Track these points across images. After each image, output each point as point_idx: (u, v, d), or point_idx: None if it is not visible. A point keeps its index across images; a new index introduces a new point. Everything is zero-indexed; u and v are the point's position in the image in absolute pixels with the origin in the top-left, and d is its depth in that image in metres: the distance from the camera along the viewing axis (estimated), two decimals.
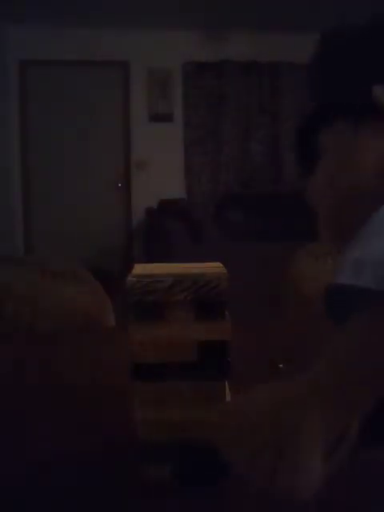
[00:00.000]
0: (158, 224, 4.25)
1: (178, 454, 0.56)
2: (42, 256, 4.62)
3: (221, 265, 0.61)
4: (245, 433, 0.42)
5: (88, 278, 2.08)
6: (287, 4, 4.15)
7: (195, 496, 0.55)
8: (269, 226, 4.22)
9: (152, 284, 0.55)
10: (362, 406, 0.39)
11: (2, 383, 0.91)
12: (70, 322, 1.67)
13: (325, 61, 0.52)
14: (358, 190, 0.47)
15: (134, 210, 5.18)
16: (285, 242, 3.07)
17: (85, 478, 0.59)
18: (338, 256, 0.42)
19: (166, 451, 0.57)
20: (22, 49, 4.84)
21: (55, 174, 5.08)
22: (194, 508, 0.54)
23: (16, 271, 1.93)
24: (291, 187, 4.55)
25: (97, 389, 0.85)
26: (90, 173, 5.13)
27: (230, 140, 5.18)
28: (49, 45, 4.82)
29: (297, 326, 1.19)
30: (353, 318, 0.39)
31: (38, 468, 0.61)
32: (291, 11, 4.30)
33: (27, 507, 0.55)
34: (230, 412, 0.46)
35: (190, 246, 3.79)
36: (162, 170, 5.14)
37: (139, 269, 0.60)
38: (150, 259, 4.24)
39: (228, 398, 0.58)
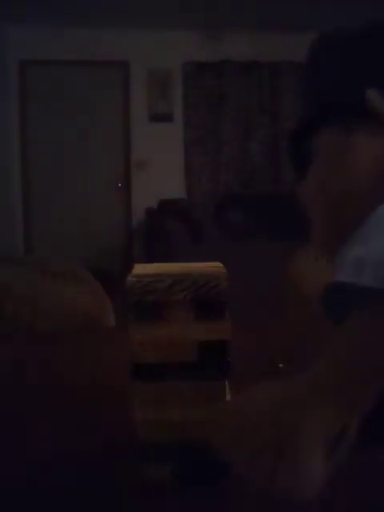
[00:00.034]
0: (158, 224, 4.25)
1: (178, 454, 0.56)
2: (42, 256, 4.62)
3: (221, 265, 0.61)
4: (245, 433, 0.42)
5: (88, 278, 2.09)
6: (287, 4, 4.15)
7: (195, 496, 0.55)
8: (269, 226, 4.22)
9: (152, 284, 0.55)
10: (362, 405, 0.39)
11: (2, 383, 0.91)
12: (70, 322, 1.67)
13: (317, 64, 0.52)
14: (351, 193, 0.47)
15: (134, 210, 5.18)
16: (285, 242, 3.07)
17: (85, 478, 0.59)
18: (334, 257, 0.42)
19: (165, 451, 0.57)
20: (22, 49, 4.84)
21: (55, 174, 5.08)
22: (194, 508, 0.54)
23: (16, 271, 1.93)
24: (291, 187, 4.55)
25: (97, 389, 0.85)
26: (90, 173, 5.13)
27: (230, 140, 5.18)
28: (49, 45, 4.83)
29: (297, 326, 1.19)
30: (353, 317, 0.39)
31: (37, 468, 0.61)
32: (291, 11, 4.30)
33: (27, 507, 0.55)
34: (230, 412, 0.46)
35: (189, 245, 3.79)
36: (162, 170, 5.14)
37: (139, 269, 0.60)
38: (150, 259, 4.24)
39: (228, 397, 0.58)
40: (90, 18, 4.59)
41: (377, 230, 0.39)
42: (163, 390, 0.57)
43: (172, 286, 0.55)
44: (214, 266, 0.60)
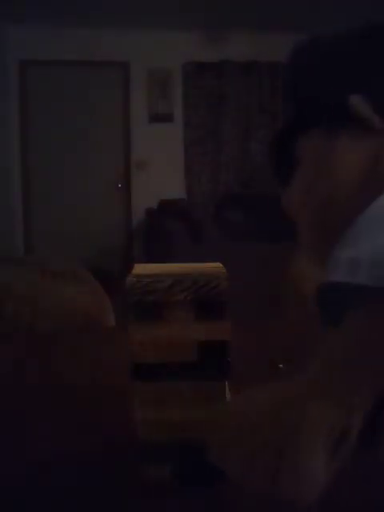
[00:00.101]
0: (158, 224, 4.25)
1: (178, 454, 0.56)
2: (42, 256, 4.62)
3: (221, 265, 0.61)
4: (244, 433, 0.42)
5: (88, 278, 2.09)
6: (287, 4, 4.15)
7: (195, 496, 0.55)
8: (269, 226, 4.22)
9: (152, 284, 0.55)
10: (361, 405, 0.39)
11: (2, 383, 0.91)
12: (70, 322, 1.67)
13: (300, 70, 0.52)
14: (337, 197, 0.47)
15: (134, 210, 5.18)
16: (285, 242, 3.07)
17: (85, 478, 0.59)
18: (322, 260, 0.42)
19: (166, 451, 0.57)
20: (22, 49, 4.84)
21: (55, 174, 5.09)
22: (194, 508, 0.54)
23: (16, 271, 1.93)
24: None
25: (97, 389, 0.85)
26: (90, 173, 5.13)
27: (230, 140, 5.18)
28: (49, 45, 4.83)
29: (297, 326, 1.19)
30: (349, 316, 0.39)
31: (37, 468, 0.61)
32: (291, 11, 4.30)
33: (27, 507, 0.55)
34: (230, 412, 0.46)
35: (190, 245, 3.79)
36: (162, 170, 5.15)
37: (139, 269, 0.60)
38: (150, 259, 4.24)
39: (228, 398, 0.58)
40: (89, 17, 4.59)
41: (366, 232, 0.39)
42: (163, 390, 0.57)
43: (172, 286, 0.55)
44: (214, 266, 0.60)
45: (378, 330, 0.37)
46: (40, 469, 0.61)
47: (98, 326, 1.71)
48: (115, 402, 0.78)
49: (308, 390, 0.41)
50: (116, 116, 5.14)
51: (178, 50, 4.99)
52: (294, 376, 0.42)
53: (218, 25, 4.77)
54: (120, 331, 1.30)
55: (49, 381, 0.89)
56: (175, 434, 0.56)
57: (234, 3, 4.21)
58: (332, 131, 0.47)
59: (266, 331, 1.17)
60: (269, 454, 0.40)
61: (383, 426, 0.40)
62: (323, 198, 0.48)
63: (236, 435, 0.43)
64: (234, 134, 5.18)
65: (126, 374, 0.59)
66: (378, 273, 0.36)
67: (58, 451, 0.64)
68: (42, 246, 5.10)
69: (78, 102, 5.03)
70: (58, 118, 5.02)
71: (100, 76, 5.06)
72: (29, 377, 0.92)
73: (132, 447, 0.59)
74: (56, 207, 5.10)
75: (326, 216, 0.48)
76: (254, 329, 1.18)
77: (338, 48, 0.49)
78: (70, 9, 4.34)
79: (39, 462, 0.62)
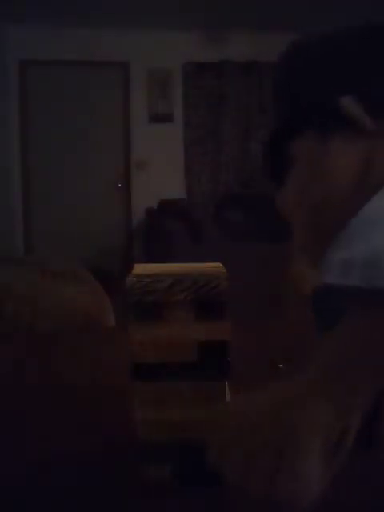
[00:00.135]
0: (158, 224, 4.25)
1: (178, 454, 0.56)
2: (42, 256, 4.62)
3: (221, 265, 0.61)
4: (244, 433, 0.42)
5: (88, 278, 2.09)
6: (287, 4, 4.15)
7: (195, 496, 0.55)
8: (269, 226, 4.21)
9: (152, 284, 0.55)
10: (358, 406, 0.38)
11: (2, 383, 0.91)
12: (70, 322, 1.67)
13: (292, 70, 0.52)
14: (330, 199, 0.47)
15: (134, 210, 5.18)
16: (285, 242, 3.07)
17: (85, 478, 0.59)
18: (317, 261, 0.42)
19: (166, 451, 0.57)
20: (22, 49, 4.84)
21: (55, 174, 5.09)
22: (194, 508, 0.54)
23: (16, 271, 1.93)
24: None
25: (97, 389, 0.85)
26: (90, 173, 5.13)
27: (230, 140, 5.18)
28: (49, 45, 4.83)
29: (297, 326, 1.19)
30: (343, 318, 0.39)
31: (37, 468, 0.61)
32: (291, 11, 4.30)
33: (27, 507, 0.55)
34: (230, 412, 0.46)
35: (190, 245, 3.79)
36: (161, 170, 5.15)
37: (139, 269, 0.60)
38: (150, 259, 4.24)
39: (228, 398, 0.58)
40: (89, 17, 4.59)
41: (359, 234, 0.39)
42: (163, 390, 0.57)
43: (172, 286, 0.55)
44: (214, 266, 0.60)
45: (372, 331, 0.37)
46: (40, 469, 0.61)
47: (97, 326, 1.71)
48: (115, 402, 0.78)
49: (308, 390, 0.41)
50: (116, 116, 5.14)
51: (177, 49, 4.99)
52: (294, 376, 0.42)
53: (218, 25, 4.77)
54: (120, 331, 1.30)
55: (49, 381, 0.89)
56: (175, 434, 0.56)
57: (234, 3, 4.21)
58: (324, 133, 0.47)
59: (266, 331, 1.17)
60: (268, 454, 0.40)
61: (380, 426, 0.40)
62: (317, 201, 0.48)
63: (236, 435, 0.42)
64: (234, 133, 5.18)
65: (125, 374, 0.59)
66: (371, 274, 0.36)
67: (58, 451, 0.64)
68: (42, 246, 5.10)
69: (78, 101, 5.03)
70: (58, 118, 5.02)
71: (100, 76, 5.06)
72: (29, 377, 0.92)
73: (132, 447, 0.59)
74: (56, 207, 5.10)
75: (319, 218, 0.48)
76: (253, 329, 1.18)
77: (329, 49, 0.49)
78: (70, 9, 4.34)
79: (39, 462, 0.62)
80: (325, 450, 0.39)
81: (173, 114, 5.19)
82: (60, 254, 4.48)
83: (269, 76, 5.14)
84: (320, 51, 0.49)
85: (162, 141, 5.14)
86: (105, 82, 5.07)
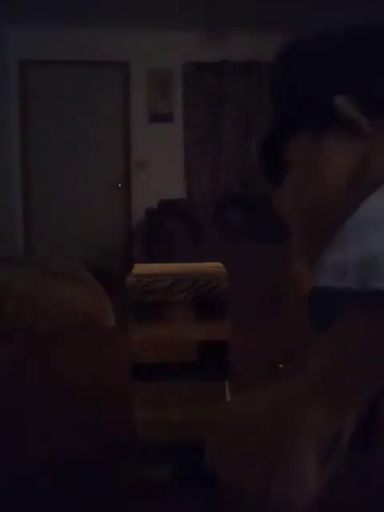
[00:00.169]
0: (158, 224, 4.25)
1: (178, 454, 0.56)
2: (42, 256, 4.62)
3: (221, 265, 0.61)
4: (244, 433, 0.42)
5: (88, 278, 2.09)
6: (287, 4, 4.16)
7: (195, 496, 0.55)
8: (269, 226, 4.21)
9: (152, 284, 0.55)
10: (353, 408, 0.38)
11: (2, 383, 0.91)
12: (69, 322, 1.67)
13: (287, 70, 0.52)
14: (325, 199, 0.47)
15: (134, 210, 5.18)
16: (285, 242, 3.07)
17: (85, 478, 0.59)
18: (314, 262, 0.42)
19: (166, 451, 0.57)
20: (22, 49, 4.84)
21: (55, 174, 5.09)
22: (194, 508, 0.54)
23: (16, 271, 1.93)
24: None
25: (97, 389, 0.85)
26: (90, 173, 5.13)
27: (230, 140, 5.18)
28: (49, 45, 4.83)
29: (297, 326, 1.19)
30: (337, 320, 0.38)
31: (37, 468, 0.61)
32: (291, 11, 4.30)
33: (27, 507, 0.55)
34: (230, 412, 0.46)
35: (190, 245, 3.79)
36: (161, 170, 5.15)
37: (139, 269, 0.60)
38: (150, 259, 4.24)
39: (228, 398, 0.58)
40: (90, 17, 4.59)
41: (355, 235, 0.39)
42: (163, 390, 0.57)
43: (172, 286, 0.55)
44: (214, 266, 0.60)
45: (365, 333, 0.37)
46: (40, 469, 0.61)
47: (98, 326, 1.71)
48: (115, 402, 0.78)
49: (309, 390, 0.40)
50: (116, 116, 5.14)
51: (178, 49, 4.99)
52: (294, 376, 0.42)
53: (218, 25, 4.77)
54: (120, 331, 1.30)
55: (49, 381, 0.89)
56: (175, 434, 0.56)
57: (234, 3, 4.21)
58: (319, 131, 0.47)
59: (266, 331, 1.17)
60: (268, 454, 0.40)
61: (376, 427, 0.40)
62: (312, 201, 0.48)
63: (236, 435, 0.42)
64: (234, 134, 5.18)
65: (126, 374, 0.59)
66: (367, 275, 0.36)
67: (58, 451, 0.64)
68: (42, 246, 5.10)
69: (78, 101, 5.03)
70: (58, 118, 5.02)
71: (100, 76, 5.06)
72: (29, 377, 0.92)
73: (132, 447, 0.59)
74: (56, 207, 5.10)
75: (315, 219, 0.48)
76: (254, 329, 1.18)
77: (325, 47, 0.49)
78: (70, 9, 4.34)
79: (39, 462, 0.62)
80: (321, 450, 0.38)
81: (173, 114, 5.19)
82: (60, 254, 4.48)
83: (269, 76, 5.14)
84: (316, 50, 0.49)
85: (162, 141, 5.14)
86: (105, 81, 5.07)
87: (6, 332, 1.57)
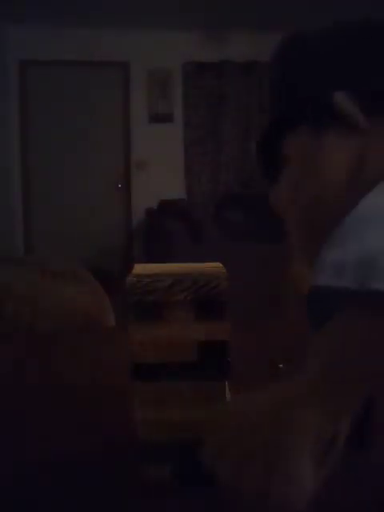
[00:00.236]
0: (158, 224, 4.25)
1: (178, 454, 0.56)
2: (42, 256, 4.62)
3: (221, 265, 0.61)
4: (245, 433, 0.42)
5: (88, 278, 2.09)
6: (287, 4, 4.16)
7: (195, 496, 0.55)
8: (269, 226, 4.21)
9: (152, 284, 0.55)
10: (349, 408, 0.38)
11: (2, 383, 0.91)
12: (70, 322, 1.67)
13: (286, 66, 0.52)
14: (323, 196, 0.47)
15: (134, 210, 5.18)
16: (285, 242, 3.07)
17: (85, 478, 0.59)
18: (312, 259, 0.42)
19: (165, 451, 0.57)
20: (22, 49, 4.84)
21: (55, 174, 5.09)
22: (194, 508, 0.54)
23: (16, 271, 1.93)
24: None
25: (97, 389, 0.85)
26: (90, 173, 5.13)
27: (230, 140, 5.18)
28: (49, 45, 4.83)
29: (297, 326, 1.19)
30: (336, 319, 0.38)
31: (37, 468, 0.61)
32: (291, 11, 4.30)
33: (27, 507, 0.55)
34: (230, 412, 0.46)
35: (190, 245, 3.79)
36: (161, 170, 5.14)
37: (139, 269, 0.60)
38: (150, 259, 4.24)
39: (228, 398, 0.58)
40: (90, 17, 4.59)
41: (353, 233, 0.38)
42: (163, 390, 0.57)
43: (172, 286, 0.55)
44: (214, 266, 0.60)
45: (363, 333, 0.37)
46: (40, 469, 0.61)
47: (98, 326, 1.71)
48: (115, 402, 0.78)
49: (308, 390, 0.40)
50: (116, 116, 5.14)
51: (178, 49, 4.99)
52: (294, 376, 0.42)
53: (218, 25, 4.77)
54: (120, 331, 1.30)
55: (49, 381, 0.89)
56: (175, 434, 0.56)
57: (234, 3, 4.21)
58: (318, 128, 0.47)
59: (266, 331, 1.17)
60: (267, 454, 0.40)
61: (372, 427, 0.40)
62: (310, 197, 0.48)
63: (235, 435, 0.42)
64: (234, 134, 5.18)
65: (126, 374, 0.59)
66: (366, 274, 0.36)
67: (58, 451, 0.64)
68: (42, 246, 5.10)
69: (78, 101, 5.03)
70: (58, 118, 5.02)
71: (100, 76, 5.06)
72: (29, 377, 0.92)
73: (132, 447, 0.59)
74: (56, 207, 5.10)
75: (313, 215, 0.48)
76: (253, 329, 1.18)
77: (324, 43, 0.49)
78: (70, 9, 4.34)
79: (39, 462, 0.62)
80: (317, 450, 0.38)
81: (173, 113, 5.19)
82: (60, 254, 4.48)
83: (268, 75, 5.14)
84: (316, 45, 0.49)
85: (162, 141, 5.14)
86: (105, 81, 5.07)
87: (6, 332, 1.57)
